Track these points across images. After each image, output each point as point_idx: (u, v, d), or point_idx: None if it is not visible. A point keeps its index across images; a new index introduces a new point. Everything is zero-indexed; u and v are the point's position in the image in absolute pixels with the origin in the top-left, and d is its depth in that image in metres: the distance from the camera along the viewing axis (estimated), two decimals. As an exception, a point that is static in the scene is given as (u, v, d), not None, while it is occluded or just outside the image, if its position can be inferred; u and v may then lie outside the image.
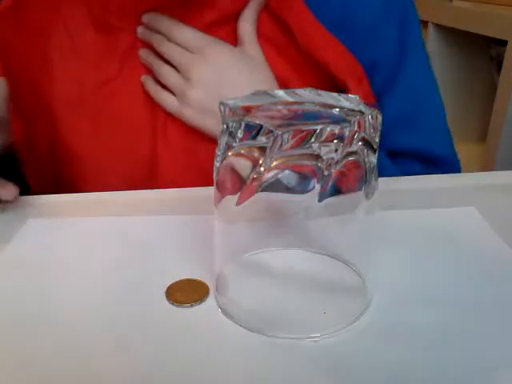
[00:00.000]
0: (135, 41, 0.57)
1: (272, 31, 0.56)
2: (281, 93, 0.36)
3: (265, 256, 0.41)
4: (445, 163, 0.64)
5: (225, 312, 0.36)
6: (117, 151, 0.58)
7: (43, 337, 0.34)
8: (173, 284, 0.38)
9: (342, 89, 0.55)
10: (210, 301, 0.37)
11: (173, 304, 0.37)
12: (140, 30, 0.56)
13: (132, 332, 0.34)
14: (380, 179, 0.36)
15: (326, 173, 0.32)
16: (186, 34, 0.55)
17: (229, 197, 0.35)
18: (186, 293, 0.37)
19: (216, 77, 0.54)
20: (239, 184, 0.34)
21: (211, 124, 0.54)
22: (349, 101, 0.35)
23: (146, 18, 0.56)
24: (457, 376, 0.31)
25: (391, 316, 0.35)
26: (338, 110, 0.34)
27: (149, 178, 0.58)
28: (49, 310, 0.36)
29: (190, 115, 0.55)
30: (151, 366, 0.32)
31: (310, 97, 0.36)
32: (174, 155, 0.57)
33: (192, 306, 0.36)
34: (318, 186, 0.33)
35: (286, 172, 0.33)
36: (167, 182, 0.55)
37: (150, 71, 0.57)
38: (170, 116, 0.57)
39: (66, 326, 0.35)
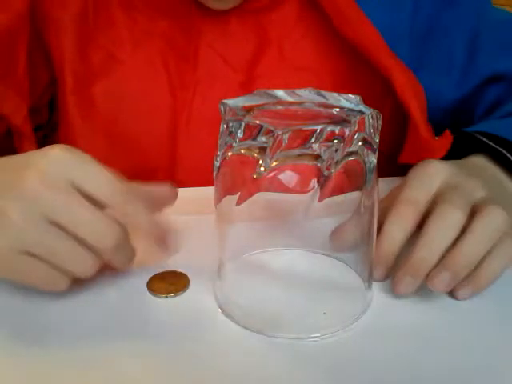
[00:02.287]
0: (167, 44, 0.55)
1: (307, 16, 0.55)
2: (281, 93, 0.36)
3: (265, 256, 0.41)
4: None
5: (225, 312, 0.36)
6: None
7: (42, 331, 0.34)
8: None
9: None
10: (212, 301, 0.37)
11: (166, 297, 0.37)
12: None
13: (131, 332, 0.34)
14: (380, 179, 0.36)
15: (325, 173, 0.32)
16: None
17: (229, 197, 0.35)
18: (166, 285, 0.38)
19: None
20: (239, 184, 0.34)
21: None
22: (349, 101, 0.35)
23: None
24: (456, 376, 0.31)
25: (391, 316, 0.35)
26: (338, 110, 0.34)
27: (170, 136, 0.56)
28: (48, 308, 0.36)
29: None
30: (151, 366, 0.32)
31: (309, 97, 0.36)
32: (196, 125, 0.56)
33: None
34: (317, 186, 0.33)
35: (286, 172, 0.33)
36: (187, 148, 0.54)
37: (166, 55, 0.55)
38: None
39: (66, 324, 0.35)
